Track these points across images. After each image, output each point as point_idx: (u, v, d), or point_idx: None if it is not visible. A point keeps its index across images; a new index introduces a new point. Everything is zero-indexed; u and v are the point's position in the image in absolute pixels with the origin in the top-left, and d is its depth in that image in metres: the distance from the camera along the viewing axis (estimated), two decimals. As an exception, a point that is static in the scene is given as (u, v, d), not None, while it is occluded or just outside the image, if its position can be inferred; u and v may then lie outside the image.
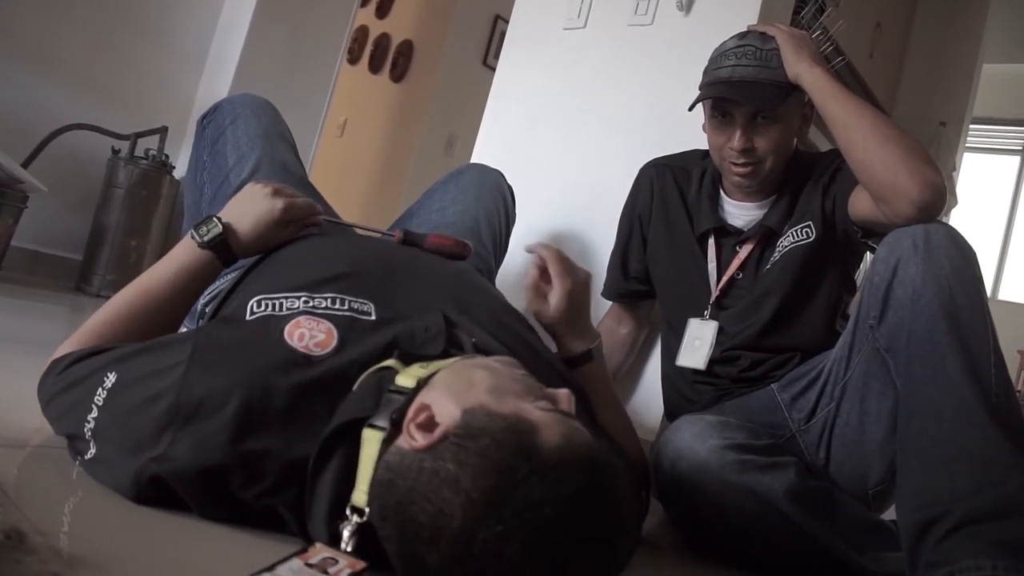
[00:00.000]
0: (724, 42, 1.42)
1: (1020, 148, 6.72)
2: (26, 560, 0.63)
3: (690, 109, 1.41)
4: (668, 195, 1.57)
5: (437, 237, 1.22)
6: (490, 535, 0.63)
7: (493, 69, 2.42)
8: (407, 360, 0.85)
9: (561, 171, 2.05)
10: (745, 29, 1.44)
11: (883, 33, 3.29)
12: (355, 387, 0.84)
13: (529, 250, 1.22)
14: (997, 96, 5.82)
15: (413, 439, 0.72)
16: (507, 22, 2.39)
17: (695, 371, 1.45)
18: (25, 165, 2.47)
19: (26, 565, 0.63)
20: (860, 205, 1.29)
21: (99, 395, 0.86)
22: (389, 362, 0.85)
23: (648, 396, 1.77)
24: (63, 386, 0.92)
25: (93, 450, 0.86)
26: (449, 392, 0.76)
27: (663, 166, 1.61)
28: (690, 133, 1.79)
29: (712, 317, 1.44)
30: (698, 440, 1.17)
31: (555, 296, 1.17)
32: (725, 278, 1.44)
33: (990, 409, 0.99)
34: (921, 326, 1.07)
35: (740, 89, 1.34)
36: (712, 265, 1.46)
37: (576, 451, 0.68)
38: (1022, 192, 6.62)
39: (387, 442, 0.74)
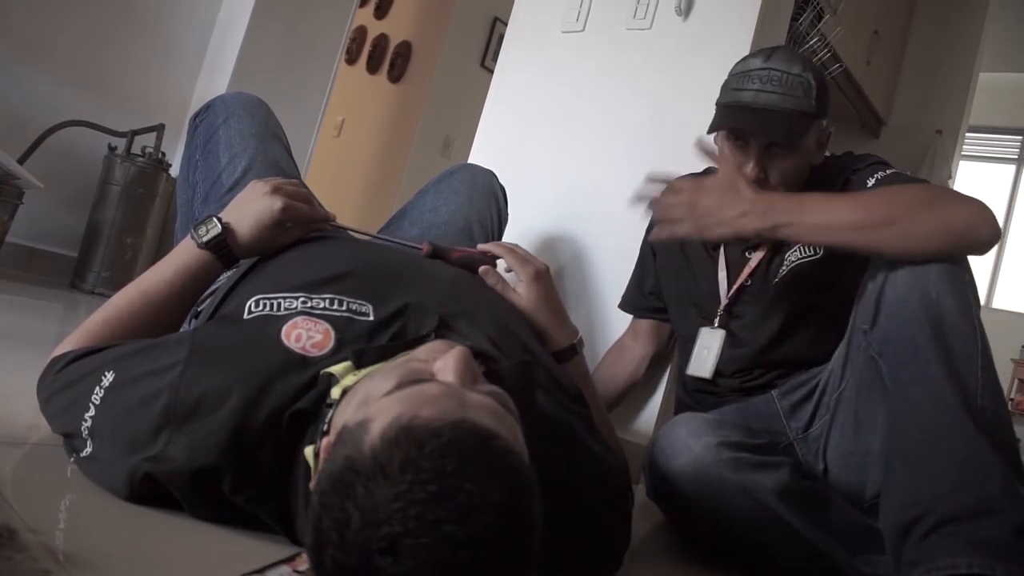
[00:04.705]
0: (748, 59, 1.36)
1: (1016, 156, 6.74)
2: (17, 558, 0.63)
3: (709, 132, 1.37)
4: None
5: (462, 251, 1.21)
6: (332, 555, 0.56)
7: (491, 71, 2.42)
8: (360, 362, 0.82)
9: (557, 174, 2.05)
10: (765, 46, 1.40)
11: (880, 40, 3.30)
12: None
13: (484, 251, 1.21)
14: (993, 105, 5.84)
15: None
16: (505, 24, 2.39)
17: (697, 380, 1.45)
18: (21, 161, 2.47)
19: (16, 563, 0.63)
20: None
21: (96, 394, 0.86)
22: (337, 368, 0.82)
23: (642, 400, 1.78)
24: (61, 384, 0.92)
25: (89, 448, 0.86)
26: (349, 404, 0.73)
27: None
28: (688, 138, 1.79)
29: (722, 325, 1.42)
30: (693, 437, 1.18)
31: (522, 286, 1.18)
32: (736, 286, 1.42)
33: (972, 412, 1.00)
34: (906, 331, 1.08)
35: (760, 118, 1.29)
36: (722, 273, 1.45)
37: (393, 445, 0.57)
38: (1017, 200, 6.65)
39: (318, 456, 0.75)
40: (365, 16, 4.80)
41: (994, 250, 6.30)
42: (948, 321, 1.05)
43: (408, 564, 0.52)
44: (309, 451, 0.77)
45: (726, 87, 1.37)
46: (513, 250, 1.21)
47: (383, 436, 0.58)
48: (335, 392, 0.78)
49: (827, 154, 1.46)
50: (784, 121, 1.29)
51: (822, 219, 1.15)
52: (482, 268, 1.19)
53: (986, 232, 1.10)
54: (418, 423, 0.58)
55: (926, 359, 1.04)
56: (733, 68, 1.38)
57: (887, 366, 1.11)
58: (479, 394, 0.67)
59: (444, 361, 0.70)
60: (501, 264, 1.23)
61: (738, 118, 1.32)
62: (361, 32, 4.86)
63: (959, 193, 1.18)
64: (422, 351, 0.78)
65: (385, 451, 0.57)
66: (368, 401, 0.68)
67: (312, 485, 0.68)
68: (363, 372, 0.80)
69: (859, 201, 1.17)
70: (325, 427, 0.74)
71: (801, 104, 1.29)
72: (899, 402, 1.07)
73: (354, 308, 0.92)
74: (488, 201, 1.65)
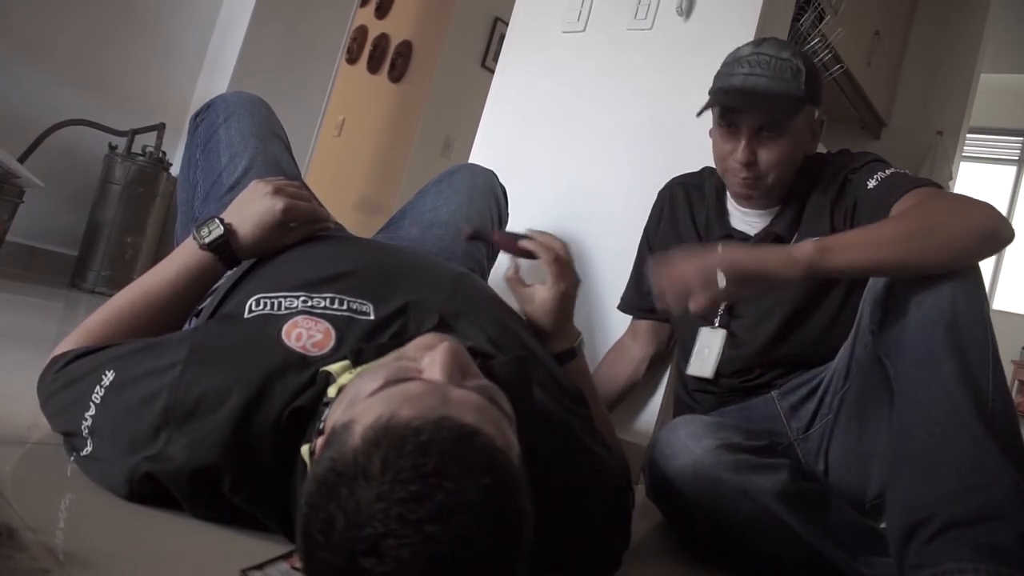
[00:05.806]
0: (739, 48, 1.38)
1: (1016, 158, 6.74)
2: (16, 556, 0.63)
3: (698, 115, 1.38)
4: (678, 212, 1.57)
5: (502, 235, 1.21)
6: (320, 556, 0.57)
7: (491, 71, 2.42)
8: (358, 360, 0.83)
9: (558, 174, 2.05)
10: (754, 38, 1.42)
11: (881, 41, 3.30)
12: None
13: (530, 235, 1.19)
14: (994, 106, 5.84)
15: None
16: (506, 24, 2.39)
17: (697, 380, 1.44)
18: (22, 160, 2.47)
19: (16, 561, 0.63)
20: None
21: (97, 393, 0.86)
22: (334, 366, 0.82)
23: (642, 400, 1.77)
24: (62, 383, 0.92)
25: (89, 447, 0.86)
26: (340, 404, 0.72)
27: (678, 184, 1.61)
28: (689, 138, 1.80)
29: (723, 325, 1.42)
30: (693, 439, 1.18)
31: (546, 295, 1.17)
32: None
33: (983, 416, 1.00)
34: (920, 332, 1.07)
35: (748, 99, 1.31)
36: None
37: (373, 446, 0.57)
38: (1018, 202, 6.65)
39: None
40: (366, 16, 4.80)
41: (994, 251, 6.33)
42: (962, 323, 1.05)
43: (392, 564, 0.52)
44: (305, 450, 0.77)
45: (718, 75, 1.39)
46: (558, 256, 1.17)
47: (363, 437, 0.58)
48: (331, 391, 0.79)
49: (824, 151, 1.46)
50: (770, 101, 1.30)
51: (867, 236, 1.10)
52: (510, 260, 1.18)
53: (1008, 230, 1.11)
54: (397, 423, 0.58)
55: (938, 360, 1.03)
56: (726, 58, 1.40)
57: (896, 368, 1.11)
58: (464, 389, 0.66)
59: (431, 357, 0.70)
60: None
61: (726, 99, 1.33)
62: (362, 32, 4.86)
63: (966, 195, 1.18)
64: (411, 347, 0.77)
65: (366, 452, 0.57)
66: (355, 401, 0.68)
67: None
68: (358, 370, 0.80)
69: (893, 219, 1.15)
70: (320, 426, 0.74)
71: (789, 87, 1.30)
72: (908, 404, 1.06)
73: (355, 307, 0.92)
74: (488, 201, 1.65)
